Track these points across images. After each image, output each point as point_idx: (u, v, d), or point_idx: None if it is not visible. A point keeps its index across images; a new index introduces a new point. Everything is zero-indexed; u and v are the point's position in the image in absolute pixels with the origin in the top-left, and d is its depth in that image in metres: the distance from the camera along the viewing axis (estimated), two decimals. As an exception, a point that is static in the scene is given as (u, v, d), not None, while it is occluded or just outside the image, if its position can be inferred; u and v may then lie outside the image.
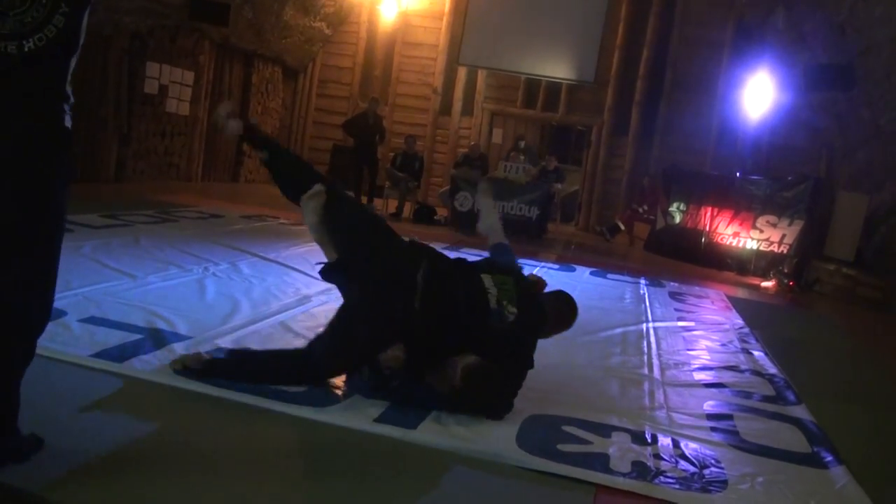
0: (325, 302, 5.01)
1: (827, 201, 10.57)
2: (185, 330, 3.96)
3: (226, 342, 3.87)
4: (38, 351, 3.27)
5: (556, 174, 13.17)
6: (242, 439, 2.79)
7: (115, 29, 10.03)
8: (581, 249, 11.40)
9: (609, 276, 8.49)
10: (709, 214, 11.43)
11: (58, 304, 3.99)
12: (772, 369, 4.97)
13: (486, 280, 3.40)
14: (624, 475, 2.86)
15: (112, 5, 9.61)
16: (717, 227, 11.28)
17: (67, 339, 3.51)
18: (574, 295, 3.76)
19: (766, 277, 10.26)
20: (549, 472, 2.81)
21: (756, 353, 5.44)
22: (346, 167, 13.56)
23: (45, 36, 2.13)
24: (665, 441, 3.30)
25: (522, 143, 14.28)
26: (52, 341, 3.44)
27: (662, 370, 4.59)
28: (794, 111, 11.80)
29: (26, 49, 2.11)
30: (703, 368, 4.81)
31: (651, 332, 5.69)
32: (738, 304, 7.66)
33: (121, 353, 3.43)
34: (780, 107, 11.96)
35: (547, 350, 4.30)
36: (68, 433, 2.61)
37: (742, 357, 5.28)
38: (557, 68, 14.49)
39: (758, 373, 4.85)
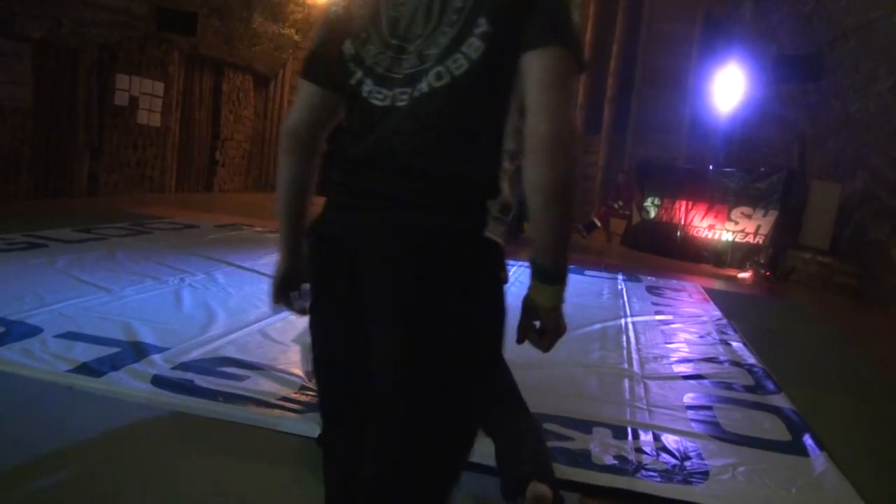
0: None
1: (800, 191, 10.66)
2: (162, 342, 3.93)
3: (204, 352, 3.85)
4: (14, 369, 3.27)
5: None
6: (220, 452, 2.78)
7: (82, 42, 9.94)
8: (558, 247, 11.38)
9: (586, 272, 8.50)
10: (683, 208, 11.50)
11: (33, 320, 4.00)
12: (750, 359, 5.01)
13: None
14: (606, 470, 2.88)
15: (78, 18, 9.53)
16: (692, 221, 11.35)
17: (44, 355, 3.48)
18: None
19: (742, 268, 10.34)
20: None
21: (734, 343, 5.49)
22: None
23: (449, 72, 1.31)
24: (646, 435, 3.32)
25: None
26: (29, 358, 3.42)
27: (642, 364, 4.62)
28: (765, 103, 11.89)
29: (417, 95, 1.33)
30: (683, 361, 4.84)
31: (630, 326, 5.72)
32: (715, 296, 7.71)
33: (99, 368, 3.40)
34: (750, 99, 12.04)
35: (527, 348, 4.31)
36: (45, 449, 2.58)
37: (720, 348, 5.32)
38: (529, 68, 14.50)
39: (737, 363, 4.89)
